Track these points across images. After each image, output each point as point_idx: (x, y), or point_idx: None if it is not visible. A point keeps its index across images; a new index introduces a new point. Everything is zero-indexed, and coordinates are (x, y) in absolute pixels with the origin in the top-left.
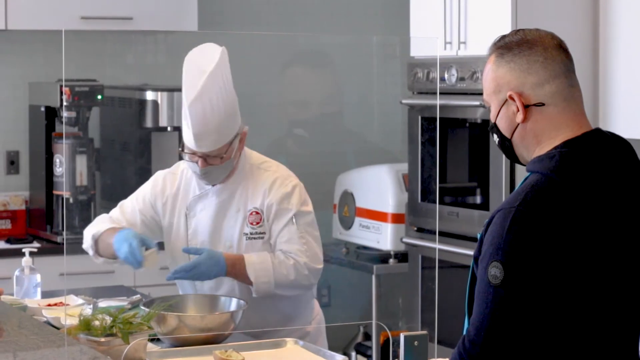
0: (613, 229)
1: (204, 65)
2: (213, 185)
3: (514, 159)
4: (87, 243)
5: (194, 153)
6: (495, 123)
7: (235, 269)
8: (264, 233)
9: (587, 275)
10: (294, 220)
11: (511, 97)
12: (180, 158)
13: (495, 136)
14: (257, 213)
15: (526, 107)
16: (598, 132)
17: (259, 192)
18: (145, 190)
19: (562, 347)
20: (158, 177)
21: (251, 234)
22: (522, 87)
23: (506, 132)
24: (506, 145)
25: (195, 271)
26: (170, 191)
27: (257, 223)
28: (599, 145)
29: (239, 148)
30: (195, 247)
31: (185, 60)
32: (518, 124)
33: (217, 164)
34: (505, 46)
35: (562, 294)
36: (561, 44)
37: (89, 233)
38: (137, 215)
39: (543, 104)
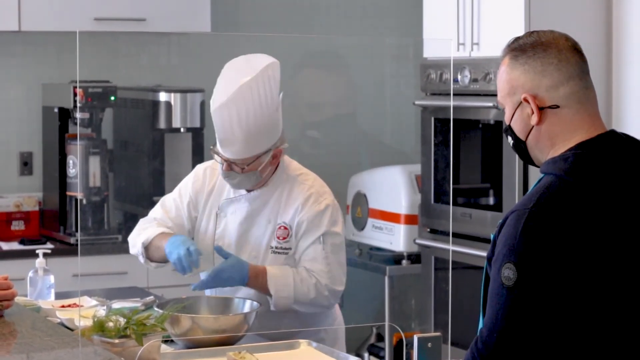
0: (627, 230)
1: (242, 73)
2: (248, 191)
3: (528, 160)
4: (135, 249)
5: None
6: (509, 125)
7: (257, 280)
8: (289, 249)
9: (600, 277)
10: (321, 239)
11: (526, 100)
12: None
13: (509, 138)
14: (285, 228)
15: (541, 109)
16: (612, 133)
17: (291, 207)
18: (187, 187)
19: (575, 348)
20: (199, 172)
21: (277, 248)
22: (536, 89)
23: (521, 135)
24: (521, 147)
25: (218, 278)
26: (209, 187)
27: (284, 238)
28: (613, 147)
29: (271, 163)
30: (224, 250)
31: (227, 64)
32: (533, 126)
33: (238, 172)
34: (520, 48)
35: (575, 296)
36: (575, 45)
37: (138, 240)
38: (183, 212)
39: (558, 107)
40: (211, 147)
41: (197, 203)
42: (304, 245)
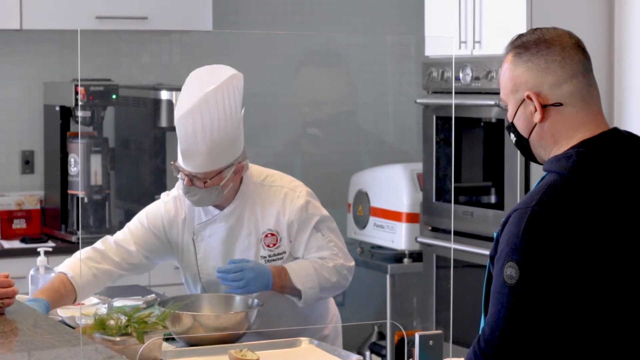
0: (630, 229)
1: (206, 83)
2: (220, 210)
3: (531, 158)
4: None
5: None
6: (512, 122)
7: (281, 279)
8: (283, 253)
9: (603, 275)
10: (317, 228)
11: (529, 97)
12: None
13: (512, 135)
14: (272, 235)
15: (544, 107)
16: (615, 131)
17: (271, 213)
18: (158, 215)
19: (578, 347)
20: (169, 202)
21: (269, 256)
22: (540, 86)
23: (524, 132)
24: (523, 145)
25: (245, 277)
26: (181, 216)
27: (274, 245)
28: (616, 145)
29: (232, 179)
30: (240, 258)
31: (190, 74)
32: (536, 124)
33: (200, 187)
34: (523, 45)
35: (578, 295)
36: (579, 43)
37: (61, 266)
38: (151, 237)
39: (561, 104)
40: (172, 162)
41: (170, 235)
42: (303, 241)
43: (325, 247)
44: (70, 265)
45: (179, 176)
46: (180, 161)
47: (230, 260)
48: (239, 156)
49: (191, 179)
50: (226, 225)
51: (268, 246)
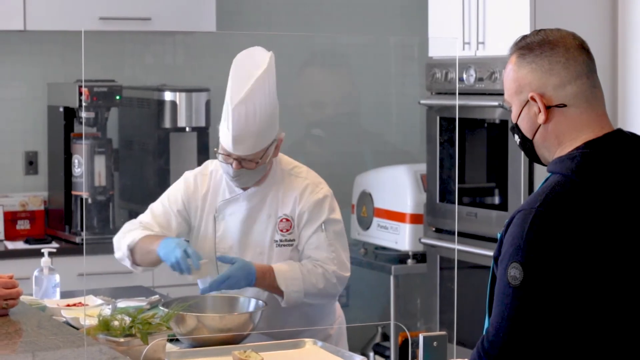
0: (634, 230)
1: (252, 69)
2: (244, 190)
3: (535, 159)
4: (121, 253)
5: (229, 155)
6: (516, 124)
7: (265, 279)
8: (293, 240)
9: (607, 276)
10: (323, 227)
11: (533, 98)
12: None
13: (516, 137)
14: (287, 220)
15: (548, 108)
16: (619, 132)
17: (290, 199)
18: (178, 192)
19: (582, 348)
20: (189, 178)
21: (281, 241)
22: (543, 88)
23: (528, 133)
24: (527, 146)
25: (229, 282)
26: (202, 192)
27: (287, 230)
28: (620, 146)
29: (274, 154)
30: (229, 256)
31: (234, 62)
32: (540, 125)
33: (251, 168)
34: (527, 47)
35: (582, 296)
36: (583, 44)
37: (123, 243)
38: (172, 217)
39: (565, 105)
40: (215, 149)
41: (189, 210)
42: (306, 235)
43: (324, 249)
44: (134, 234)
45: (221, 159)
46: (229, 148)
47: (218, 257)
48: (277, 130)
49: (240, 162)
50: (248, 205)
51: (282, 231)
